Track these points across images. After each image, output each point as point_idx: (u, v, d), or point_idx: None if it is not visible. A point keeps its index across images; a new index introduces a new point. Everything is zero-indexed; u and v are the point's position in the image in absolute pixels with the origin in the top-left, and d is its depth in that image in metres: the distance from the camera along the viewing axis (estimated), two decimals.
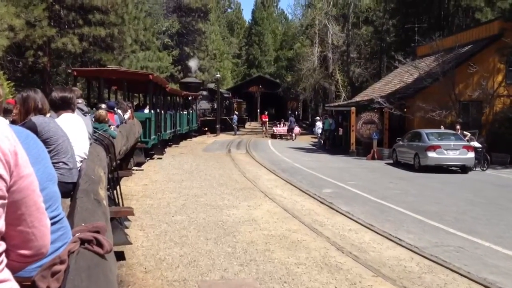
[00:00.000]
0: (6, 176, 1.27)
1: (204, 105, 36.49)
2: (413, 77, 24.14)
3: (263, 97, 63.00)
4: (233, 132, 37.42)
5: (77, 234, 1.84)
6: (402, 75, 26.98)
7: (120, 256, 6.31)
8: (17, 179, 1.31)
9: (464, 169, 16.67)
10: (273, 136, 35.20)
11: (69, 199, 3.42)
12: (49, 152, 3.15)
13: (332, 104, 33.77)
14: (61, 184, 2.74)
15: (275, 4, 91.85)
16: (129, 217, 8.16)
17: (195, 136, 31.96)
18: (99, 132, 7.10)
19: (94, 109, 9.82)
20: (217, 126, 35.60)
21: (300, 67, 43.47)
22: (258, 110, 64.56)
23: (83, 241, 1.78)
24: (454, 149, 16.36)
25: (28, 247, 1.38)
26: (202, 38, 50.36)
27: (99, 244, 1.80)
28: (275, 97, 57.69)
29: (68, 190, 3.72)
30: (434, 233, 7.94)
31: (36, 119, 3.61)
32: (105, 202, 3.67)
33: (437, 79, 20.86)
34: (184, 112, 28.14)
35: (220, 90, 41.64)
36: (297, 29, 53.72)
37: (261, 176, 14.68)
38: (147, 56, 33.98)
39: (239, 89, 60.42)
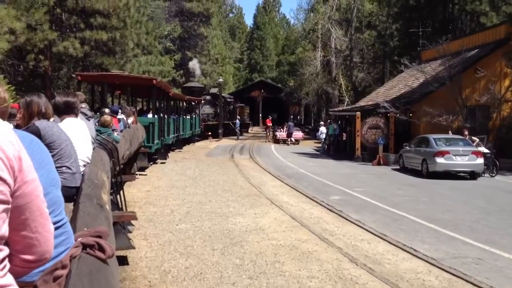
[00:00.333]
0: (10, 181, 1.28)
1: (207, 109, 36.30)
2: (418, 82, 23.84)
3: (265, 102, 62.75)
4: (235, 137, 37.13)
5: (79, 239, 1.83)
6: (407, 80, 26.68)
7: (123, 260, 6.22)
8: (21, 184, 1.32)
9: (473, 175, 16.32)
10: (276, 141, 34.87)
11: (72, 203, 3.43)
12: (53, 156, 3.07)
13: (336, 109, 33.45)
14: (64, 189, 2.66)
15: (277, 9, 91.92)
16: (132, 225, 7.99)
17: (198, 141, 31.84)
18: (102, 136, 6.97)
19: (97, 113, 9.64)
20: (220, 131, 35.31)
21: (303, 72, 43.21)
22: (260, 115, 64.32)
23: (85, 246, 1.77)
24: (463, 155, 16.02)
25: (31, 252, 1.39)
26: (204, 43, 50.15)
27: (101, 249, 1.79)
28: (277, 101, 57.43)
29: (71, 194, 3.73)
30: (450, 243, 7.60)
31: (39, 123, 3.62)
32: (108, 206, 3.64)
33: (444, 83, 20.54)
34: (187, 117, 28.03)
35: (224, 94, 41.47)
36: (300, 34, 53.38)
37: (266, 182, 14.36)
38: (149, 60, 33.68)
39: (241, 94, 60.16)
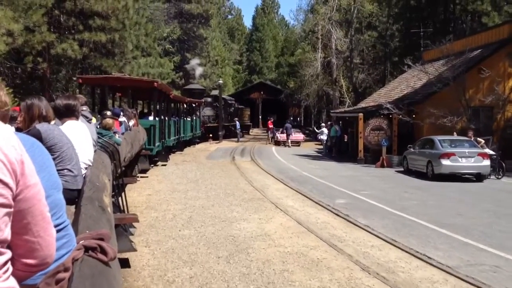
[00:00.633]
0: (12, 185, 1.28)
1: (208, 111, 36.10)
2: (421, 82, 23.59)
3: (265, 104, 62.52)
4: (236, 139, 36.84)
5: (81, 242, 1.84)
6: (409, 80, 26.44)
7: (124, 263, 6.10)
8: (23, 188, 1.33)
9: (479, 177, 16.03)
10: (277, 143, 34.57)
11: (73, 206, 3.42)
12: (54, 159, 2.99)
13: (337, 110, 33.17)
14: (66, 191, 2.64)
15: (276, 11, 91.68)
16: (134, 227, 7.87)
17: (199, 143, 31.67)
18: (104, 138, 6.86)
19: (99, 116, 9.51)
20: (220, 133, 35.03)
21: (303, 73, 42.93)
22: (260, 117, 64.06)
23: (87, 249, 1.78)
24: (469, 157, 15.74)
25: (33, 256, 1.39)
26: (203, 44, 49.89)
27: (103, 252, 1.79)
28: (277, 103, 57.18)
29: (73, 197, 3.75)
30: (464, 249, 7.32)
31: (40, 126, 3.63)
32: (109, 209, 3.63)
33: (447, 84, 20.27)
34: (188, 119, 27.88)
35: (225, 96, 41.27)
36: (299, 35, 53.11)
37: (269, 186, 14.07)
38: (148, 62, 33.37)
39: (240, 96, 59.88)
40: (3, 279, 1.27)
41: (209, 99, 37.12)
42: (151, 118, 17.35)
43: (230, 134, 38.22)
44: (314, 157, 25.59)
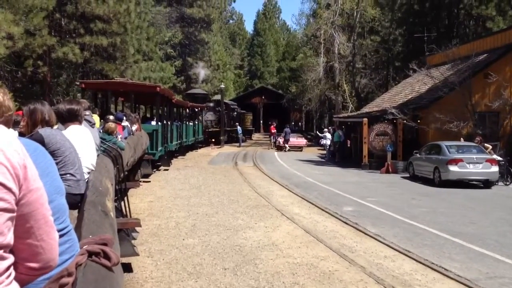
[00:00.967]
0: (15, 189, 1.29)
1: (210, 116, 35.90)
2: (426, 87, 23.31)
3: (266, 108, 62.31)
4: (237, 144, 36.54)
5: (84, 247, 1.83)
6: (413, 85, 26.17)
7: (127, 268, 6.05)
8: (26, 192, 1.34)
9: (487, 184, 15.70)
10: (279, 148, 34.24)
11: (76, 210, 3.44)
12: (57, 164, 2.95)
13: (341, 115, 32.85)
14: (69, 196, 2.61)
15: (277, 15, 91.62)
16: (136, 232, 7.76)
17: (201, 147, 31.47)
18: (108, 143, 6.85)
19: (102, 120, 9.38)
20: (222, 137, 34.75)
21: (305, 78, 42.67)
22: (261, 121, 63.82)
23: (90, 254, 1.77)
24: (477, 163, 15.43)
25: (36, 260, 1.40)
26: (205, 49, 49.67)
27: (107, 257, 1.79)
28: (278, 108, 56.97)
29: (76, 201, 3.76)
30: (481, 260, 7.01)
31: (43, 131, 3.65)
32: (112, 213, 3.60)
33: (453, 88, 19.99)
34: (190, 123, 27.69)
35: (227, 101, 41.07)
36: (301, 39, 52.90)
37: (274, 192, 13.76)
38: (149, 66, 33.11)
39: (241, 100, 59.65)
40: (6, 283, 1.27)
41: (211, 104, 36.92)
42: (153, 122, 17.32)
43: (232, 139, 37.95)
44: (317, 163, 25.28)
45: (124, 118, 11.33)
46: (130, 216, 7.76)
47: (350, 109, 37.49)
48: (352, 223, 9.49)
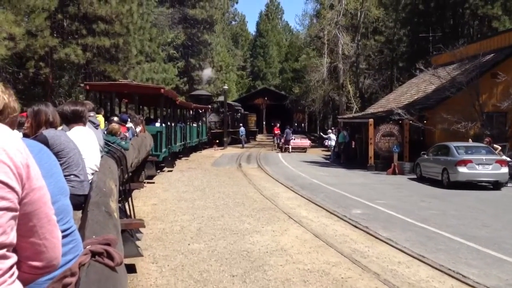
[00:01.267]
0: (18, 188, 1.30)
1: (214, 117, 35.73)
2: (432, 87, 23.01)
3: (269, 109, 62.02)
4: (240, 145, 36.29)
5: (88, 247, 1.81)
6: (419, 85, 25.88)
7: (131, 268, 5.99)
8: (28, 191, 1.34)
9: (496, 185, 15.40)
10: (281, 148, 33.92)
11: (80, 211, 3.43)
12: (61, 165, 2.84)
13: (345, 116, 32.56)
14: (72, 197, 2.52)
15: (279, 16, 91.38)
16: (140, 232, 7.65)
17: (205, 149, 31.33)
18: (113, 145, 6.85)
19: (106, 122, 9.30)
20: (225, 139, 34.52)
21: (308, 79, 42.37)
22: (264, 123, 63.53)
23: (94, 254, 1.76)
24: (487, 164, 15.13)
25: (39, 258, 1.40)
26: (207, 50, 49.42)
27: (110, 257, 1.77)
28: (281, 109, 56.66)
29: (79, 202, 3.79)
30: (499, 266, 6.73)
31: (47, 132, 3.66)
32: (116, 214, 3.61)
33: (461, 88, 19.69)
34: (194, 125, 27.54)
35: (232, 102, 40.91)
36: (305, 40, 52.57)
37: (280, 194, 13.49)
38: (152, 67, 32.89)
39: (244, 102, 59.31)
40: (9, 282, 1.27)
41: (215, 105, 36.75)
42: (157, 124, 17.17)
43: (236, 140, 37.77)
44: (322, 164, 24.99)
45: (129, 119, 11.29)
46: (134, 217, 7.66)
47: (354, 110, 37.19)
48: (363, 226, 9.22)
